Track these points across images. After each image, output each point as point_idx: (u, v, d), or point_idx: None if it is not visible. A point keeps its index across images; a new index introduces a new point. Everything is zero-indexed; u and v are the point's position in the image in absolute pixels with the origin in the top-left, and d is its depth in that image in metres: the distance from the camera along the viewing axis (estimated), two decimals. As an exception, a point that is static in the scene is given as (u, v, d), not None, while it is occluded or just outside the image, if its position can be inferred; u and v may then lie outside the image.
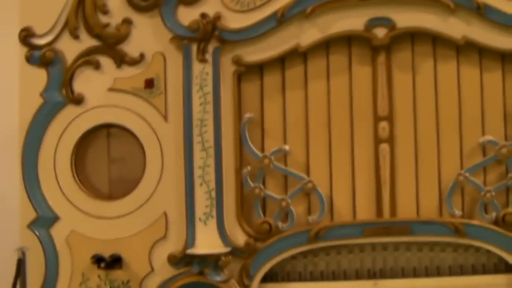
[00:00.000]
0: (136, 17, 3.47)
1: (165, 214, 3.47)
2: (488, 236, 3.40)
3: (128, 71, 3.48)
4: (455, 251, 3.48)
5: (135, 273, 3.48)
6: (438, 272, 3.48)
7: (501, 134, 3.43)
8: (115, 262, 3.47)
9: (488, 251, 3.44)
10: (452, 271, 3.48)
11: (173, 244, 3.46)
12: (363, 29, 3.41)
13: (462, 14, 3.37)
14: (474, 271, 3.48)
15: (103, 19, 3.48)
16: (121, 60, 3.47)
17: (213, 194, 3.43)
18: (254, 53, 3.44)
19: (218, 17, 3.41)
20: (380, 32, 3.40)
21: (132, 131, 3.49)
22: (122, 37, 3.47)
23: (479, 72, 3.45)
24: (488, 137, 3.42)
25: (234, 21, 3.42)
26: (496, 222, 3.41)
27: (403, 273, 3.49)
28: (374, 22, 3.40)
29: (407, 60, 3.45)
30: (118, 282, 3.49)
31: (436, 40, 3.44)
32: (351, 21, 3.40)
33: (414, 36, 3.44)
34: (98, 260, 3.46)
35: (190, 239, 3.43)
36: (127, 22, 3.47)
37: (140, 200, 3.48)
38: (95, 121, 3.51)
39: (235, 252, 3.43)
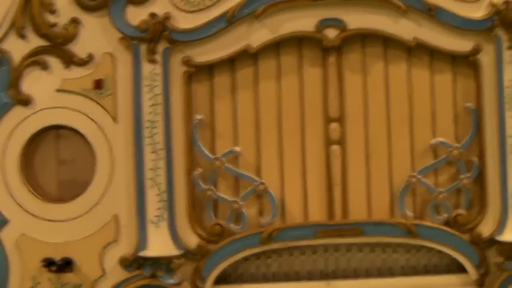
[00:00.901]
0: (84, 17, 3.40)
1: (116, 216, 3.42)
2: (440, 237, 3.40)
3: (76, 72, 3.41)
4: (408, 252, 3.47)
5: (86, 276, 3.44)
6: (390, 272, 3.48)
7: (451, 135, 3.43)
8: (66, 265, 3.41)
9: (440, 252, 3.44)
10: (405, 272, 3.47)
11: (125, 247, 3.41)
12: (314, 30, 3.36)
13: (413, 16, 3.34)
14: (426, 271, 3.48)
15: (51, 18, 3.40)
16: (69, 60, 3.40)
17: (165, 196, 3.39)
18: (204, 54, 3.38)
19: (167, 17, 3.35)
20: (331, 33, 3.36)
21: (82, 133, 3.43)
22: (70, 37, 3.40)
23: (430, 74, 3.43)
24: (440, 139, 3.41)
25: (184, 21, 3.37)
26: (447, 223, 3.41)
27: (355, 274, 3.48)
28: (325, 23, 3.36)
29: (358, 61, 3.42)
30: (70, 285, 3.44)
31: (387, 42, 3.40)
32: (302, 22, 3.36)
33: (365, 38, 3.41)
34: (49, 263, 3.40)
35: (142, 242, 3.39)
36: (75, 21, 3.39)
37: (90, 202, 3.43)
38: (43, 122, 3.44)
39: (187, 254, 3.40)
